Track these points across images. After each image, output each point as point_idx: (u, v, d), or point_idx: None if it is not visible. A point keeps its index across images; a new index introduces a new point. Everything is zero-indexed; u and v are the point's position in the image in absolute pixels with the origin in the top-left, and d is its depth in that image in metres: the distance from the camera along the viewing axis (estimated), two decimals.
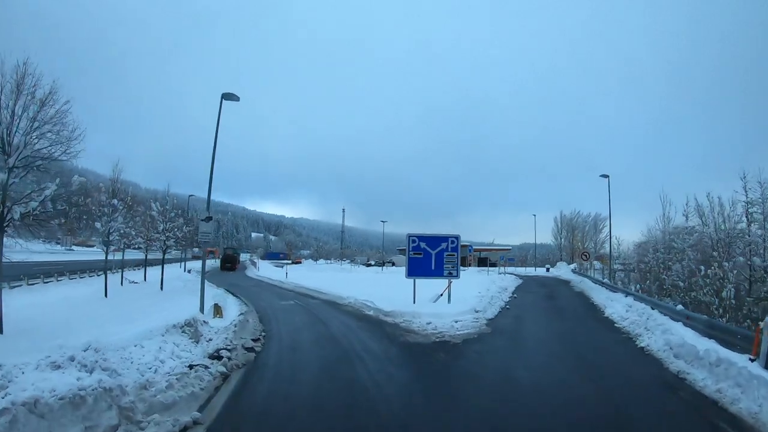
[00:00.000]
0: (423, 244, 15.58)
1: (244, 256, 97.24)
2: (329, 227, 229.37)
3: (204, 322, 9.76)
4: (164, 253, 21.74)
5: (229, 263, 46.18)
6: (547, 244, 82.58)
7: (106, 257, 17.66)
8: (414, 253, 15.60)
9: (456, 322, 12.26)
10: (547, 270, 51.54)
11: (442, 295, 15.73)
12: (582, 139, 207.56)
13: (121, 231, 20.94)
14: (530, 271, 51.36)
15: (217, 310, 10.94)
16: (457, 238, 15.98)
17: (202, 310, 11.25)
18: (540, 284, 29.24)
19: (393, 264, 71.52)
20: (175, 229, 21.76)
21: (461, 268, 17.15)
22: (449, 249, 15.76)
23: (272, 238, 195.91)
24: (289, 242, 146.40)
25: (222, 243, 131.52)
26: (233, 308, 14.15)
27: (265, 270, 37.59)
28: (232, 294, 19.65)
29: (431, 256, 15.62)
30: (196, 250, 41.97)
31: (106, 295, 15.98)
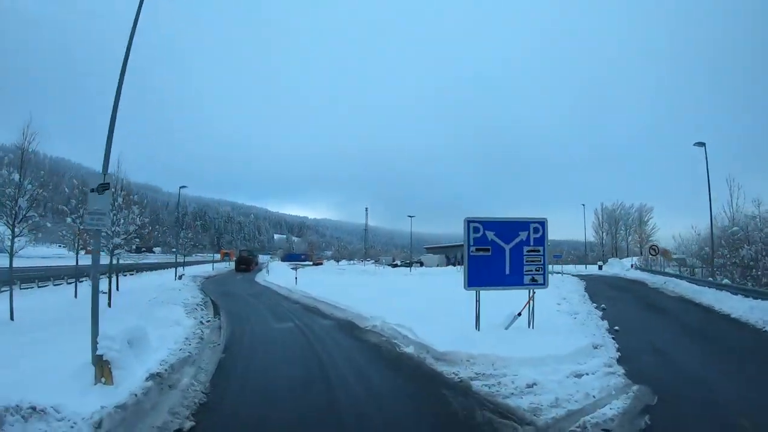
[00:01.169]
0: (491, 234, 9.73)
1: (264, 258, 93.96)
2: (352, 227, 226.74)
3: (41, 411, 4.19)
4: (111, 254, 15.72)
5: (244, 264, 45.62)
6: (576, 241, 76.56)
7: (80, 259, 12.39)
8: (477, 249, 9.78)
9: (577, 377, 6.41)
10: (600, 268, 45.10)
11: (520, 314, 9.84)
12: (611, 130, 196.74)
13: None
14: (579, 269, 44.70)
15: (104, 371, 5.29)
16: (542, 224, 10.07)
17: (93, 361, 5.62)
18: (612, 286, 23.07)
19: (421, 264, 65.59)
20: (124, 222, 15.94)
21: None
22: (531, 242, 9.91)
23: (295, 239, 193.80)
24: (311, 243, 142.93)
25: (240, 245, 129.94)
26: (183, 336, 8.64)
27: (277, 274, 32.33)
28: (215, 310, 14.33)
29: (504, 253, 9.77)
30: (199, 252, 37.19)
31: (11, 318, 10.75)
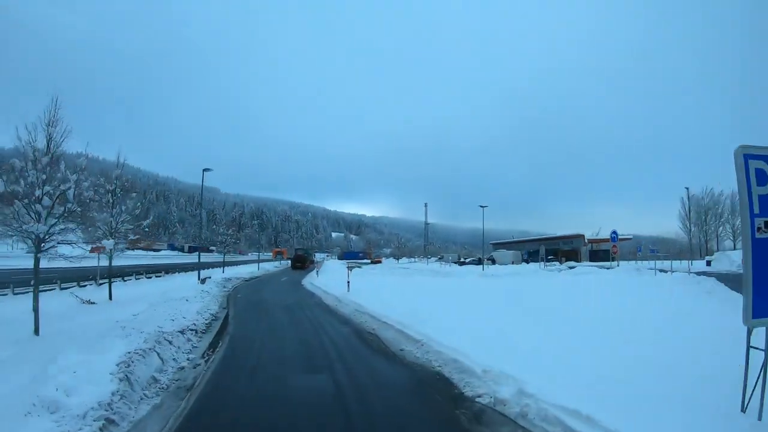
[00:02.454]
0: None
1: (320, 257, 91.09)
2: (410, 224, 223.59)
3: None
4: (39, 250, 9.94)
5: (300, 263, 48.32)
6: (655, 237, 69.14)
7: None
8: None
9: None
10: (708, 263, 36.26)
11: None
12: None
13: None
14: (683, 265, 35.31)
15: None
16: None
17: None
18: None
19: (493, 261, 57.95)
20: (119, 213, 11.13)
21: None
22: None
23: (353, 237, 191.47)
24: (369, 240, 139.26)
25: (297, 243, 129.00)
26: None
27: (328, 275, 26.94)
28: (216, 338, 8.88)
29: None
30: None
31: None
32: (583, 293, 13.87)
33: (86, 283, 16.73)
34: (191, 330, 9.32)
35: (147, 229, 13.73)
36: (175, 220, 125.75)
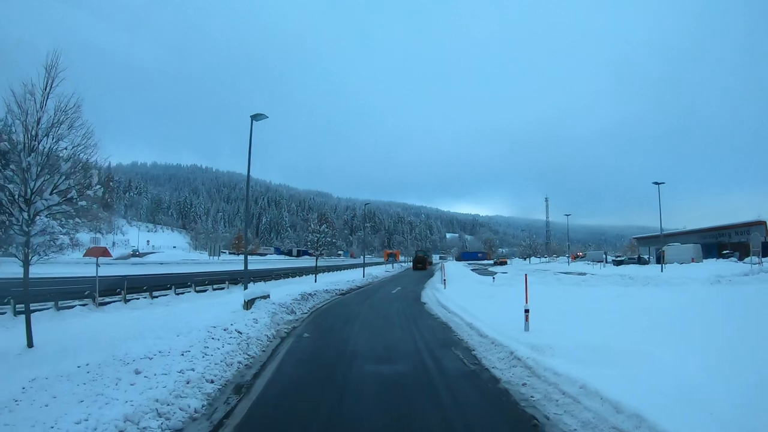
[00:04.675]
0: None
1: (435, 257, 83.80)
2: (525, 223, 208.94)
3: None
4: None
5: (420, 264, 50.24)
6: None
7: None
8: None
9: None
10: None
11: None
12: None
13: None
14: None
15: None
16: None
17: None
18: None
19: (659, 260, 42.59)
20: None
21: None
22: None
23: (468, 237, 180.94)
24: (487, 240, 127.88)
25: (411, 245, 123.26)
26: None
27: (458, 285, 17.74)
28: None
29: None
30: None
31: None
32: None
33: (70, 302, 10.43)
34: None
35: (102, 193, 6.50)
36: (287, 224, 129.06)
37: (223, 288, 17.12)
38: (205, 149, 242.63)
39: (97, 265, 11.47)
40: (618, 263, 44.16)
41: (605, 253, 66.68)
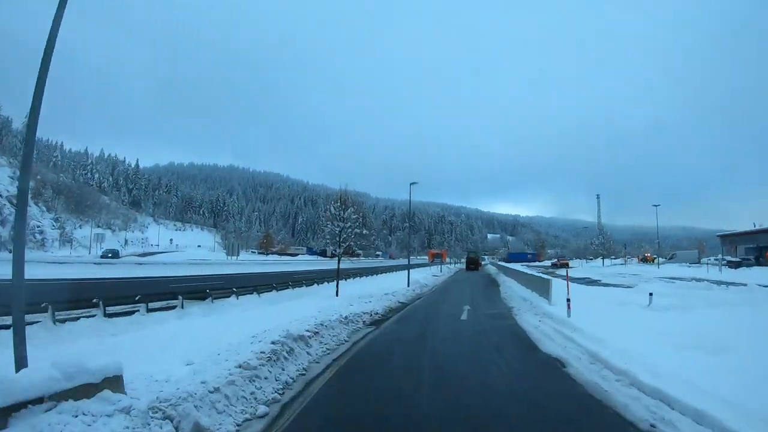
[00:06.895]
0: None
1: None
2: (566, 224, 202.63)
3: None
4: None
5: (473, 264, 51.96)
6: None
7: None
8: None
9: None
10: None
11: None
12: None
13: None
14: None
15: None
16: None
17: None
18: None
19: None
20: None
21: None
22: None
23: (509, 238, 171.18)
24: (538, 240, 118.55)
25: (453, 245, 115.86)
26: None
27: (583, 305, 9.46)
28: None
29: None
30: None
31: None
32: None
33: None
34: None
35: None
36: (323, 224, 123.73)
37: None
38: (244, 151, 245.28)
39: None
40: (736, 265, 34.66)
41: (700, 250, 55.51)
